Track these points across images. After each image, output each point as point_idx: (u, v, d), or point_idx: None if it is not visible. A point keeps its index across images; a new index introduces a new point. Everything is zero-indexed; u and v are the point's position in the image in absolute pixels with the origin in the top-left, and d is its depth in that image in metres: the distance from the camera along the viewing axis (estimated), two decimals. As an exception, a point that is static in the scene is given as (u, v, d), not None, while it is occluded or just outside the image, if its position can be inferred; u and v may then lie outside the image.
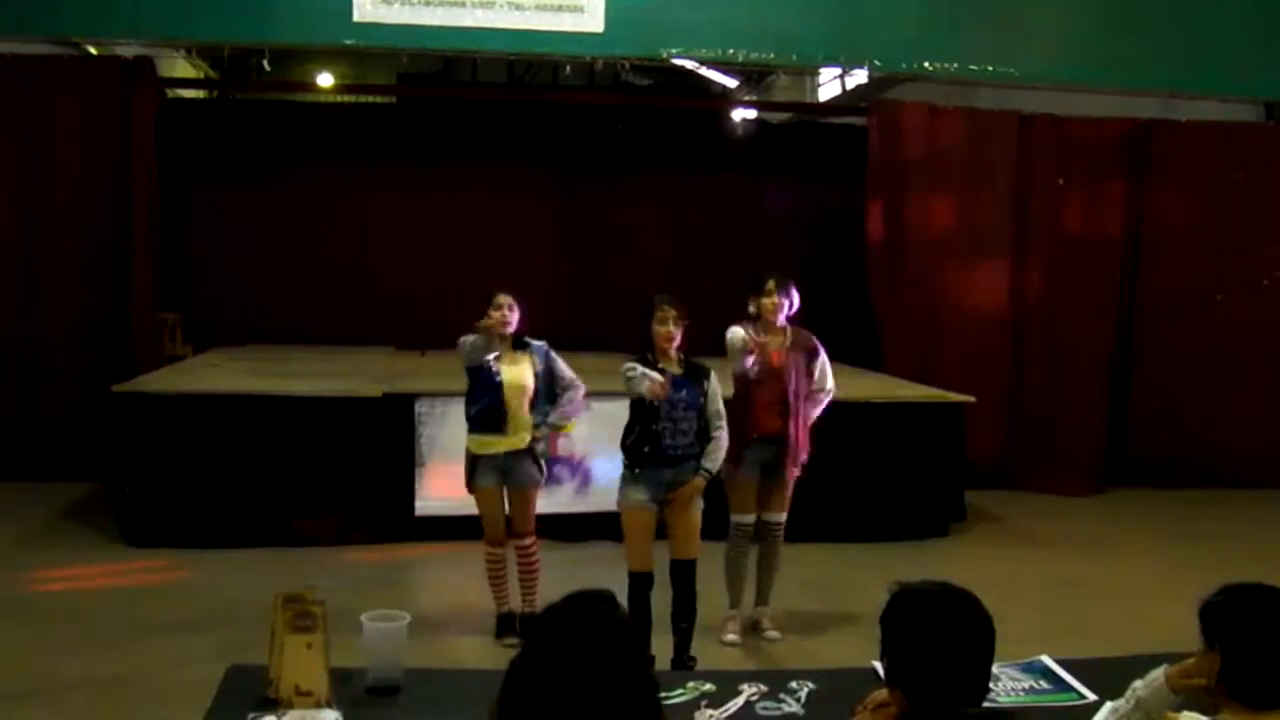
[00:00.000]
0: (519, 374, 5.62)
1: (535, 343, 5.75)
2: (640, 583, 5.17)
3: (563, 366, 5.78)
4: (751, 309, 5.80)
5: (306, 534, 7.33)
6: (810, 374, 5.86)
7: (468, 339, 5.58)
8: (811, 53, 9.69)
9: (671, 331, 5.12)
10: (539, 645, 1.88)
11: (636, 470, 5.17)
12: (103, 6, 8.78)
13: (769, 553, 5.93)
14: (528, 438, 5.65)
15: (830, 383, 5.93)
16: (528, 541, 5.75)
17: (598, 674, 1.83)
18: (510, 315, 5.57)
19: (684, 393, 5.12)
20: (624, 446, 5.23)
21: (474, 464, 5.67)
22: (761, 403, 5.74)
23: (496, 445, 5.61)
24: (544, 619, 1.93)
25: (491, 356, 5.57)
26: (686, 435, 5.16)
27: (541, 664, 1.86)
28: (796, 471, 5.85)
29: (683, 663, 5.20)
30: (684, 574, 5.25)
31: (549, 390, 5.73)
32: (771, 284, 5.74)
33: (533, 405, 5.65)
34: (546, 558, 5.88)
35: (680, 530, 5.24)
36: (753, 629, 5.95)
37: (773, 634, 5.91)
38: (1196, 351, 10.15)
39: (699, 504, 5.28)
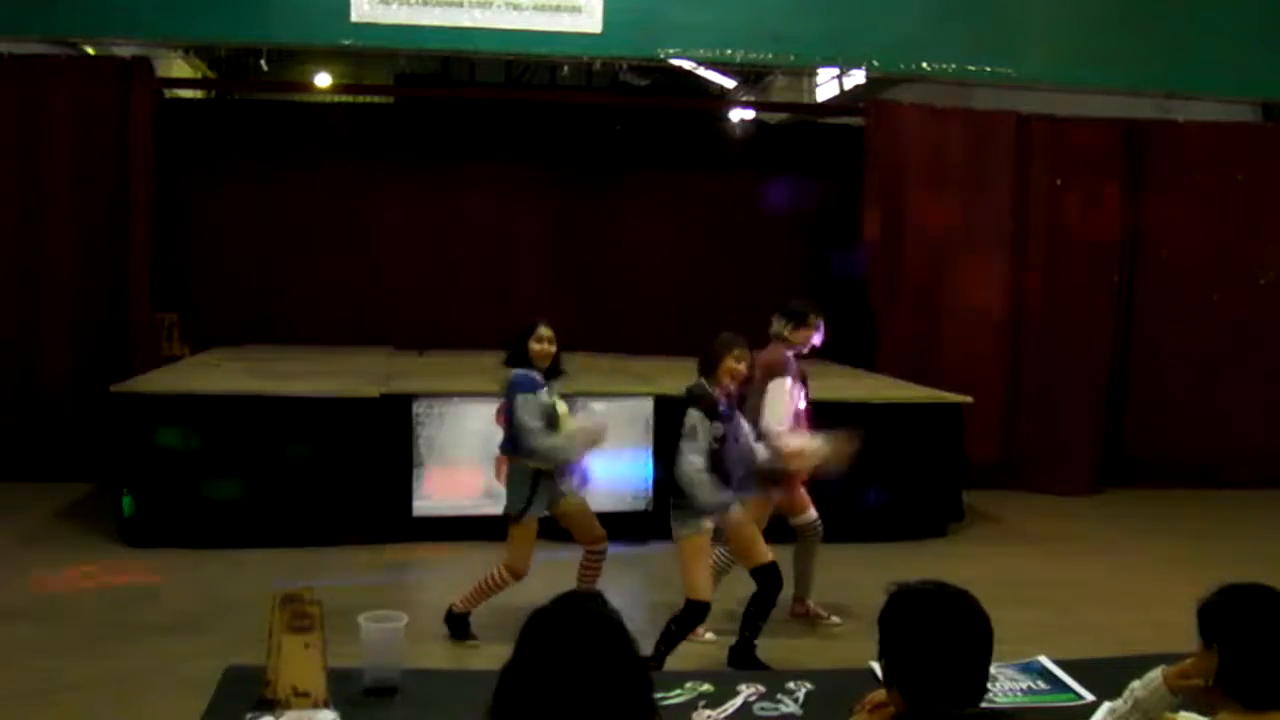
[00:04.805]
0: (564, 409, 5.62)
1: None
2: (703, 614, 5.23)
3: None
4: (785, 332, 5.95)
5: (304, 534, 7.33)
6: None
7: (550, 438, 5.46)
8: (809, 53, 9.70)
9: (742, 369, 5.20)
10: (531, 647, 1.88)
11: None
12: (100, 6, 8.78)
13: (810, 546, 6.10)
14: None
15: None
16: (603, 542, 5.74)
17: (590, 674, 1.83)
18: (553, 349, 5.55)
19: (737, 422, 5.23)
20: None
21: (535, 486, 5.52)
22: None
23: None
24: (535, 621, 1.92)
25: (544, 391, 5.51)
26: (744, 463, 5.23)
27: (534, 666, 1.85)
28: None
29: (753, 658, 5.31)
30: (774, 575, 5.30)
31: None
32: (814, 318, 5.93)
33: None
34: (543, 558, 5.87)
35: (759, 538, 5.32)
36: (811, 619, 6.14)
37: (834, 619, 6.11)
38: (1194, 351, 10.14)
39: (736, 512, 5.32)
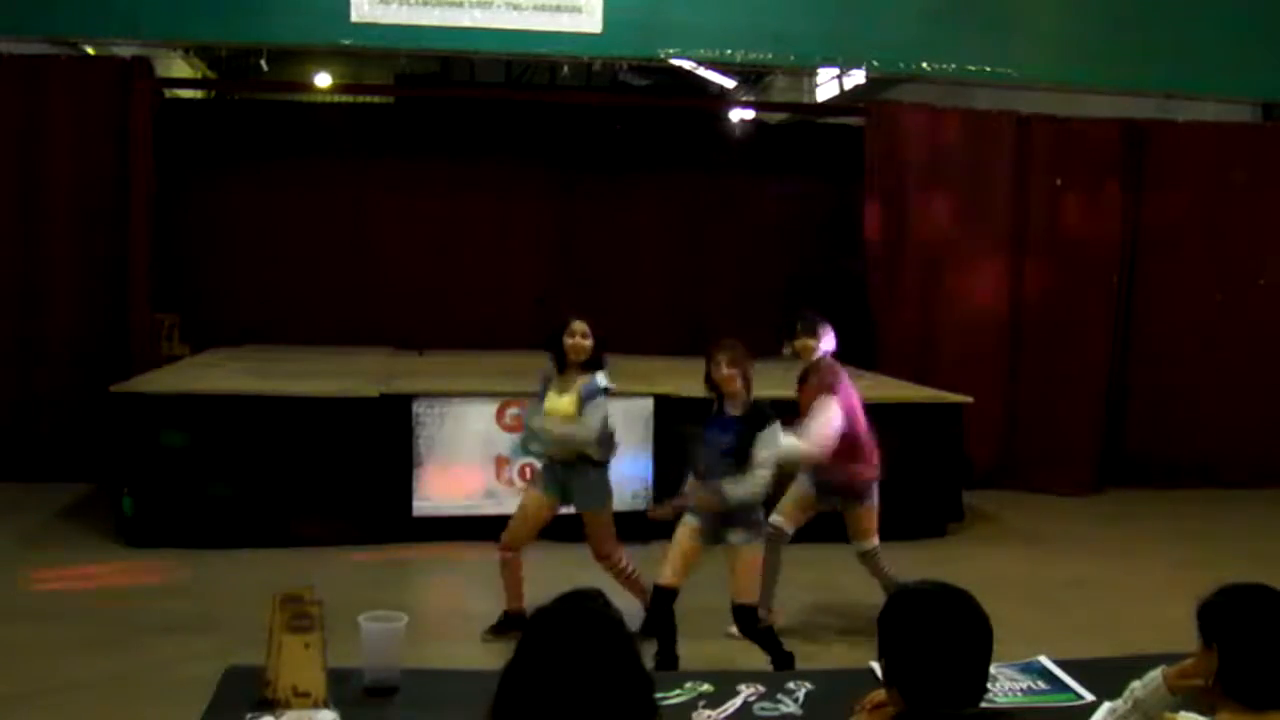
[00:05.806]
0: (565, 404, 5.62)
1: (596, 376, 5.66)
2: (660, 596, 5.12)
3: (592, 413, 5.61)
4: (787, 351, 5.98)
5: (304, 534, 7.33)
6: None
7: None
8: (809, 53, 9.70)
9: (725, 374, 5.00)
10: (532, 647, 1.88)
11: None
12: (100, 6, 8.77)
13: (874, 576, 5.96)
14: (577, 451, 5.65)
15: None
16: (612, 561, 5.71)
17: (591, 673, 1.82)
18: (586, 343, 5.63)
19: (728, 435, 4.96)
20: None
21: (544, 469, 5.83)
22: None
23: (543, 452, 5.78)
24: (536, 621, 1.92)
25: (546, 384, 5.73)
26: (726, 477, 4.95)
27: (535, 665, 1.85)
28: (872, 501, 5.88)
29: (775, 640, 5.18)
30: (739, 621, 5.06)
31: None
32: (798, 326, 5.85)
33: None
34: (544, 558, 5.87)
35: (730, 569, 5.06)
36: None
37: None
38: (1194, 351, 10.14)
39: (751, 545, 5.03)
